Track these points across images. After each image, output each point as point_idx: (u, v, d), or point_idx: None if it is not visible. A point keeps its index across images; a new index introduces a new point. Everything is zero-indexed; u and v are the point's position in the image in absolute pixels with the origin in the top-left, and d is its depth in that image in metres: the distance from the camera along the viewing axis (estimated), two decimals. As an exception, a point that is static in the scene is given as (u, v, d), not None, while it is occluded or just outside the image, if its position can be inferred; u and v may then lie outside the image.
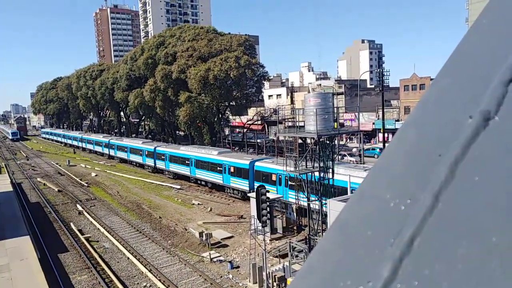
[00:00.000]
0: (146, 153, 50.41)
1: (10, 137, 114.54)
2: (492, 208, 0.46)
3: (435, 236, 0.48)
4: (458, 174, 0.51)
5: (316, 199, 21.15)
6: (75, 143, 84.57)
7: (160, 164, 47.00)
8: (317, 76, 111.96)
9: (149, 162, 49.85)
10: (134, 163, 54.46)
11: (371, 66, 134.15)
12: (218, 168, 35.85)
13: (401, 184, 0.56)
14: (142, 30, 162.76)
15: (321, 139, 20.23)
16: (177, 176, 43.45)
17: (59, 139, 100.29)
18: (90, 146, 74.25)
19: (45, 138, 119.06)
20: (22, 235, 22.43)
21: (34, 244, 21.29)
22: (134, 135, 79.20)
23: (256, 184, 28.54)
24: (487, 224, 0.45)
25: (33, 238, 22.76)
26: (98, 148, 69.00)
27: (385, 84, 46.15)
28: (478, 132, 0.53)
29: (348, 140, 56.46)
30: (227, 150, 41.20)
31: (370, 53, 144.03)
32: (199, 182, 39.69)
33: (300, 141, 22.71)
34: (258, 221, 20.43)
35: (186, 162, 41.07)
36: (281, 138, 35.20)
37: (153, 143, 52.94)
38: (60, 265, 21.66)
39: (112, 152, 62.20)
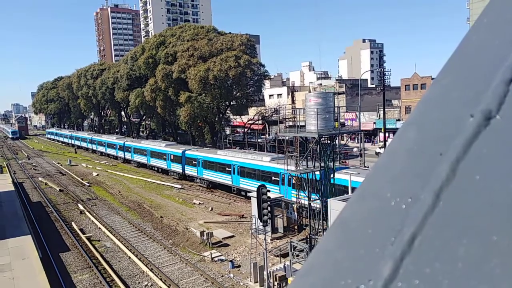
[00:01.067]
0: (172, 158, 44.37)
1: (10, 136, 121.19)
2: (493, 207, 0.46)
3: (436, 234, 0.48)
4: (459, 173, 0.51)
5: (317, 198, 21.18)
6: (83, 144, 78.83)
7: (191, 171, 40.97)
8: (318, 76, 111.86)
9: (176, 167, 43.81)
10: (156, 169, 48.92)
11: (372, 65, 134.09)
12: (273, 178, 29.67)
13: (402, 182, 0.56)
14: (143, 29, 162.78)
15: (322, 139, 20.27)
16: (213, 185, 38.19)
17: (65, 140, 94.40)
18: (101, 148, 68.33)
19: (50, 139, 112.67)
20: (23, 234, 22.48)
21: (35, 244, 21.35)
22: (135, 133, 79.26)
23: None
24: (488, 222, 0.45)
25: (34, 238, 22.82)
26: (111, 151, 63.24)
27: (386, 84, 46.18)
28: (480, 131, 0.53)
29: (348, 140, 56.42)
30: (281, 156, 35.00)
31: (371, 52, 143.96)
32: (243, 193, 33.78)
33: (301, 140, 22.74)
34: (259, 221, 20.46)
35: (227, 169, 35.31)
36: (281, 137, 34.42)
37: (180, 146, 46.66)
38: (62, 265, 21.73)
39: (128, 156, 56.43)
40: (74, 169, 54.52)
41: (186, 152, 42.31)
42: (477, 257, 0.44)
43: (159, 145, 48.47)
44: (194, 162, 40.48)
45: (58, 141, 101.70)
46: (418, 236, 0.49)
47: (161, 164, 47.01)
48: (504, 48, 0.57)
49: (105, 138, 68.78)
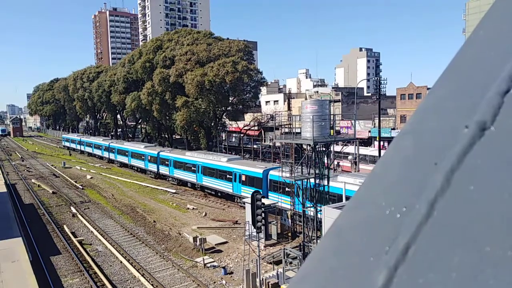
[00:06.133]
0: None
1: (0, 133, 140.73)
2: (487, 217, 0.46)
3: (430, 244, 0.48)
4: (453, 183, 0.51)
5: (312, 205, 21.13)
6: (137, 163, 51.39)
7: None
8: (315, 83, 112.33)
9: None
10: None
11: (368, 74, 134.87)
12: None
13: (397, 191, 0.56)
14: (141, 33, 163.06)
15: (317, 146, 20.28)
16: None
17: (97, 152, 66.71)
18: (180, 174, 41.71)
19: (68, 148, 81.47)
20: (14, 236, 22.17)
21: (26, 246, 21.07)
22: (130, 137, 78.82)
23: None
24: (482, 233, 0.45)
25: (25, 240, 22.54)
26: (216, 183, 35.91)
27: (382, 93, 46.41)
28: (474, 141, 0.53)
29: (344, 148, 56.38)
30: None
31: (368, 61, 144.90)
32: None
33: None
34: (252, 227, 20.37)
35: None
36: (277, 144, 34.71)
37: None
38: (52, 268, 21.48)
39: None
40: (68, 171, 54.13)
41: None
42: (470, 268, 0.43)
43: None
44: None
45: (83, 152, 74.50)
46: (412, 246, 0.49)
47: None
48: (499, 60, 0.57)
49: (179, 155, 42.76)
